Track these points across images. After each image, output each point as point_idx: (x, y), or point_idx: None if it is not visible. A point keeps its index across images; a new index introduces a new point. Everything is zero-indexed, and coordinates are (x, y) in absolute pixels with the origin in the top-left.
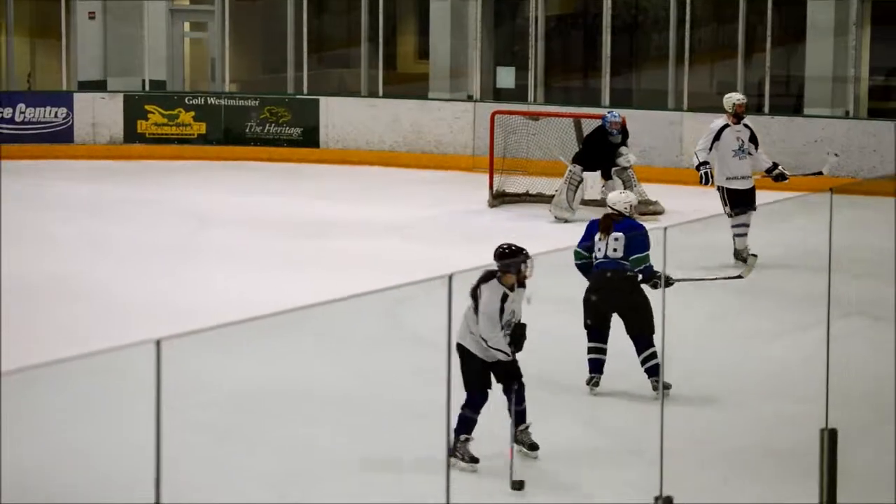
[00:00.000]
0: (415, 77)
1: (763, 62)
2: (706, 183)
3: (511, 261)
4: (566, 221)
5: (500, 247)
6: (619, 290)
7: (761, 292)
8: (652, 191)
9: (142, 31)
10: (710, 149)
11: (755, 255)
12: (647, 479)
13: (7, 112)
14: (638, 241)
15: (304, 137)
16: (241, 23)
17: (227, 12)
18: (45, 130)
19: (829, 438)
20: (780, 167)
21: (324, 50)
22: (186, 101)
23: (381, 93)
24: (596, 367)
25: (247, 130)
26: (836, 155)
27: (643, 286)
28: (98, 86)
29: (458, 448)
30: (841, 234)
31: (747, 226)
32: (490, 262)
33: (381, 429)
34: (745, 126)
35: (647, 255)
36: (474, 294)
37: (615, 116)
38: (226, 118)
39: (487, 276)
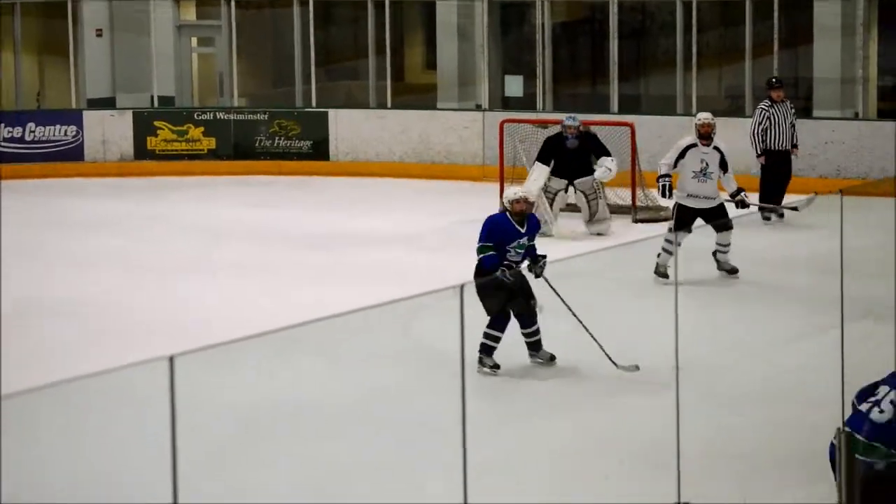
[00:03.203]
0: (423, 87)
1: (771, 65)
2: (667, 196)
3: None
4: (550, 235)
5: None
6: (523, 285)
7: (773, 295)
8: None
9: (149, 46)
10: (675, 165)
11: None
12: (665, 485)
13: (17, 131)
14: (537, 228)
15: (314, 150)
16: (249, 37)
17: (234, 27)
18: (55, 149)
19: (847, 440)
20: (743, 193)
21: (331, 62)
22: (195, 116)
23: (389, 104)
24: (490, 352)
25: (256, 145)
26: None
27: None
28: (107, 103)
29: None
30: (851, 235)
31: (727, 245)
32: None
33: (395, 442)
34: (716, 149)
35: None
36: None
37: (573, 120)
38: (235, 133)
39: None
